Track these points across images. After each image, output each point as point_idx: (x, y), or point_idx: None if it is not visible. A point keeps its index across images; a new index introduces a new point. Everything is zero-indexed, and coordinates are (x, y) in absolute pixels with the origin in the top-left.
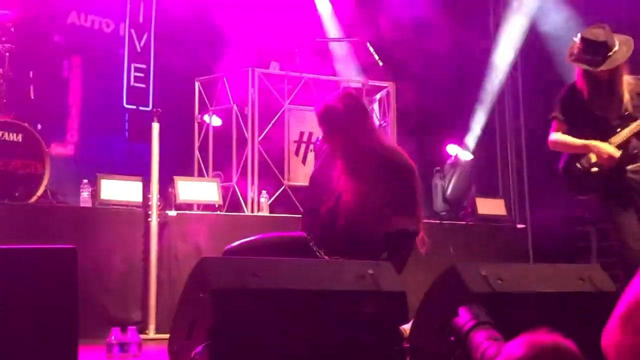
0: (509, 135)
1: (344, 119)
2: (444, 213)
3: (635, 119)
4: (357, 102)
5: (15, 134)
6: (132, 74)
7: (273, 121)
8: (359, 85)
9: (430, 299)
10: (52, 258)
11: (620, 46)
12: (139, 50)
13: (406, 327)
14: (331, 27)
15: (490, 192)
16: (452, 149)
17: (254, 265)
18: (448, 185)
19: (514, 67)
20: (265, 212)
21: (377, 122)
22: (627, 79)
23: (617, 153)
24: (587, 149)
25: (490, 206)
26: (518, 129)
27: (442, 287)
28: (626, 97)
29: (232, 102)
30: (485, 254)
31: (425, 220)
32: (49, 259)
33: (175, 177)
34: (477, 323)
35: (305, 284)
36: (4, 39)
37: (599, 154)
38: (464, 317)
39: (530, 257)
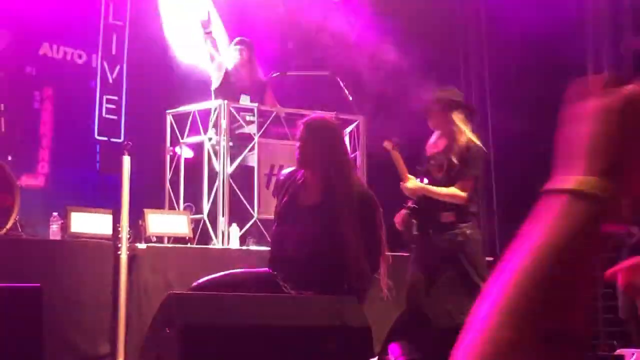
0: None
1: (330, 135)
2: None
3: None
4: (342, 136)
5: None
6: (104, 105)
7: (244, 154)
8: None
9: (394, 334)
10: (17, 297)
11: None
12: (111, 81)
13: None
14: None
15: None
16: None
17: (220, 302)
18: None
19: (483, 98)
20: (235, 245)
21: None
22: (464, 140)
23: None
24: None
25: None
26: (487, 159)
27: (406, 322)
28: (450, 155)
29: (203, 135)
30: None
31: (392, 254)
32: (14, 298)
33: (146, 210)
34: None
35: (271, 320)
36: None
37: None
38: (394, 352)
39: None
